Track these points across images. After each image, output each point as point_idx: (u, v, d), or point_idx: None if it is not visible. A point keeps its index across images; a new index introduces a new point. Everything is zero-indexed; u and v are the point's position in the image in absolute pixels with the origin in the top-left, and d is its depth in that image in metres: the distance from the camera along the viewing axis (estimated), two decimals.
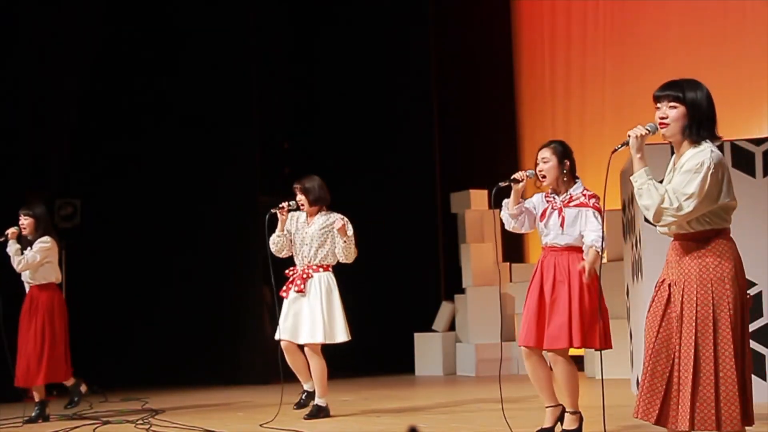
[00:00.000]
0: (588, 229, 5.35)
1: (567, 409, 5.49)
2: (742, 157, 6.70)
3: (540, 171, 5.47)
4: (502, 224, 5.65)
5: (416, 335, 10.90)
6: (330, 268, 6.99)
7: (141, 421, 7.03)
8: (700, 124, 3.84)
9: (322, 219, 6.96)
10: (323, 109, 11.75)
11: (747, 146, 6.73)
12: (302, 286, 6.86)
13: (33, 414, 7.39)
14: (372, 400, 8.29)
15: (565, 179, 5.48)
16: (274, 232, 6.98)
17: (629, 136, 3.90)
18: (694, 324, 3.79)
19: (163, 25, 10.81)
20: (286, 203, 6.94)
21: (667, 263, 3.97)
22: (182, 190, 10.57)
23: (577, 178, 5.53)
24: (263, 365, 9.79)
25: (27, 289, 7.49)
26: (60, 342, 7.43)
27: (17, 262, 7.33)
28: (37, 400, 7.44)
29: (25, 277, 7.47)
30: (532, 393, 5.69)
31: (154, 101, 10.83)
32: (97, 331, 10.02)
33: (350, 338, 6.94)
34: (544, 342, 5.35)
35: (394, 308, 11.05)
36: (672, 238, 3.97)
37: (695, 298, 3.81)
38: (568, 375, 5.41)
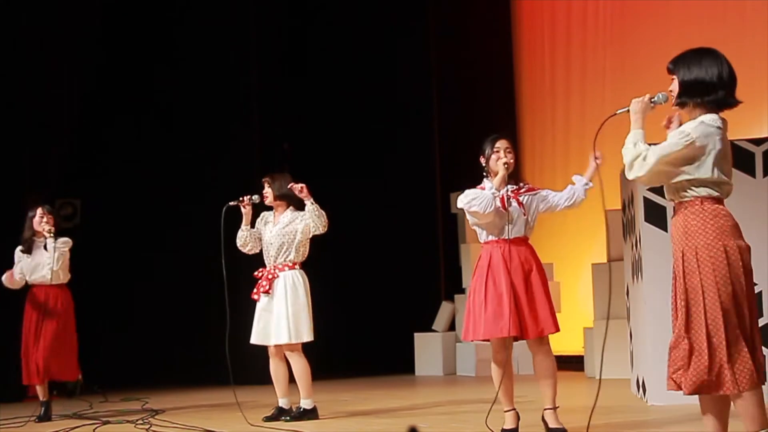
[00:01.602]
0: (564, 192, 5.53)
1: (553, 406, 5.45)
2: (742, 157, 6.69)
3: (510, 161, 5.56)
4: None
5: (416, 335, 10.91)
6: (296, 266, 6.87)
7: (141, 421, 7.03)
8: (686, 93, 3.99)
9: (286, 219, 6.89)
10: (323, 110, 11.76)
11: (747, 146, 6.72)
12: (268, 287, 6.81)
13: (41, 413, 7.43)
14: (372, 400, 8.29)
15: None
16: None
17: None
18: (699, 292, 3.87)
19: (163, 25, 10.82)
20: (248, 197, 6.92)
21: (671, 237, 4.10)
22: (182, 190, 10.58)
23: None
24: (263, 365, 9.78)
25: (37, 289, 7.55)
26: (74, 340, 7.52)
27: (56, 258, 7.42)
28: (42, 399, 7.47)
29: (41, 277, 7.49)
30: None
31: (154, 101, 10.84)
32: (97, 331, 10.01)
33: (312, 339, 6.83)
34: (530, 332, 5.36)
35: (394, 308, 11.05)
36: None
37: (695, 267, 3.89)
38: (552, 367, 5.44)
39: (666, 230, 6.71)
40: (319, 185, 11.06)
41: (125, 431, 6.71)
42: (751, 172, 6.70)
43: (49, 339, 7.41)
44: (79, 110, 10.63)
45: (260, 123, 10.74)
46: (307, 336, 6.77)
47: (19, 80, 9.63)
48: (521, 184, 5.62)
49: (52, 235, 7.46)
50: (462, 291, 10.77)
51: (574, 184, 5.56)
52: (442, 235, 11.67)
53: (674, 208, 4.07)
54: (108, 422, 7.08)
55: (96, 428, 6.80)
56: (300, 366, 6.80)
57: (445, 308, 11.02)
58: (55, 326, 7.43)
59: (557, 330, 5.41)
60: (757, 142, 6.80)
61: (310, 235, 6.89)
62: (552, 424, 5.41)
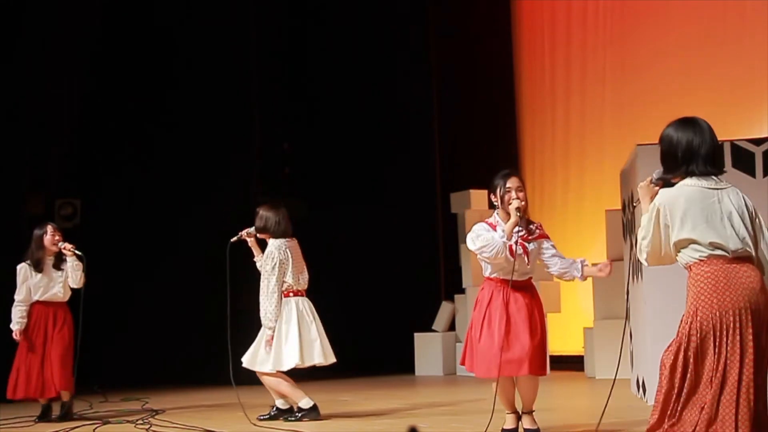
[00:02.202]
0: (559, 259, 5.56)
1: (530, 410, 5.65)
2: (742, 157, 6.70)
3: (522, 203, 5.47)
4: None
5: (416, 335, 10.91)
6: (284, 295, 6.82)
7: (141, 421, 7.03)
8: (661, 164, 4.02)
9: (266, 251, 6.88)
10: (323, 110, 11.76)
11: (747, 146, 6.73)
12: None
13: (41, 414, 7.42)
14: (372, 400, 8.29)
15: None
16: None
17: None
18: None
19: (164, 25, 10.81)
20: (245, 231, 6.98)
21: None
22: (182, 190, 10.58)
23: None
24: None
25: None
26: (72, 354, 7.52)
27: (79, 277, 7.43)
28: (43, 402, 7.46)
29: (53, 294, 7.48)
30: None
31: (154, 101, 10.83)
32: (97, 331, 9.99)
33: (279, 369, 6.76)
34: (530, 369, 5.44)
35: (394, 308, 11.05)
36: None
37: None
38: (537, 385, 5.67)
39: None
40: (319, 185, 11.15)
41: (125, 431, 6.71)
42: (751, 172, 6.70)
43: (59, 356, 7.38)
44: (79, 110, 10.63)
45: (260, 123, 10.74)
46: (263, 366, 6.77)
47: (19, 80, 9.63)
48: (532, 227, 5.59)
49: (73, 252, 7.42)
50: (462, 291, 10.77)
51: (575, 261, 5.58)
52: (442, 235, 11.67)
53: None
54: (108, 422, 7.09)
55: (96, 428, 6.81)
56: (270, 383, 6.84)
57: (445, 308, 11.02)
58: (63, 342, 7.42)
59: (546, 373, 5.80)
60: (757, 142, 6.81)
61: (271, 266, 6.77)
62: (527, 425, 5.63)
